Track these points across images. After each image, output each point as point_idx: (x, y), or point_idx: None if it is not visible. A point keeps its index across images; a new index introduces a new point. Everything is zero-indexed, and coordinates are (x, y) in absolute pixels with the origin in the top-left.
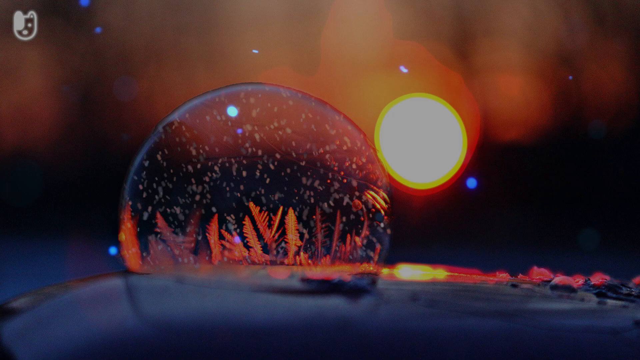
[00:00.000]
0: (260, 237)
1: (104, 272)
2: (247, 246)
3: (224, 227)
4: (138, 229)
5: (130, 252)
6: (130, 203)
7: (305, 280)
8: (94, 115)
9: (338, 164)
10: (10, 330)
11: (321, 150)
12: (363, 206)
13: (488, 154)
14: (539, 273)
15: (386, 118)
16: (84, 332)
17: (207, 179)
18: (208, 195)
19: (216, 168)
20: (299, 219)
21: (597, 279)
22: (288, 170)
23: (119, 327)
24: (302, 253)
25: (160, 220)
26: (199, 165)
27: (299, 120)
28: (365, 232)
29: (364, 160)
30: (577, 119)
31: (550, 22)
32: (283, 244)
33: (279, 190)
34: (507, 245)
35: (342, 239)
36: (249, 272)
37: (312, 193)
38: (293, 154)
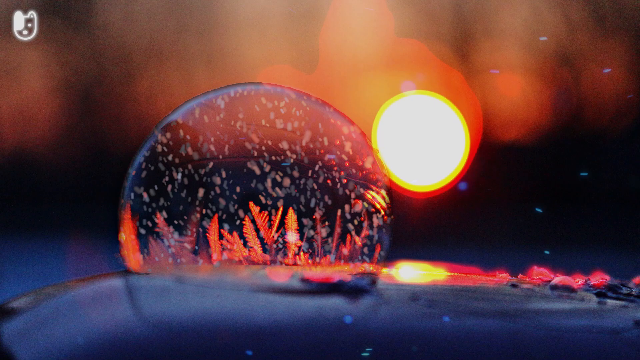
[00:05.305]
0: (260, 237)
1: (104, 272)
2: (247, 246)
3: (223, 227)
4: (138, 229)
5: (130, 252)
6: (130, 203)
7: (305, 280)
8: (94, 115)
9: (338, 164)
10: (10, 330)
11: (321, 150)
12: (363, 206)
13: (488, 154)
14: (539, 273)
15: (385, 116)
16: (83, 332)
17: (206, 178)
18: (208, 195)
19: (216, 168)
20: (299, 219)
21: (597, 279)
22: (288, 170)
23: (119, 327)
24: (302, 253)
25: (160, 220)
26: (198, 165)
27: (298, 120)
28: (365, 232)
29: (363, 160)
30: (577, 119)
31: (550, 22)
32: (283, 244)
33: (279, 190)
34: (507, 245)
35: (342, 239)
36: (248, 272)
37: (312, 193)
38: (293, 154)
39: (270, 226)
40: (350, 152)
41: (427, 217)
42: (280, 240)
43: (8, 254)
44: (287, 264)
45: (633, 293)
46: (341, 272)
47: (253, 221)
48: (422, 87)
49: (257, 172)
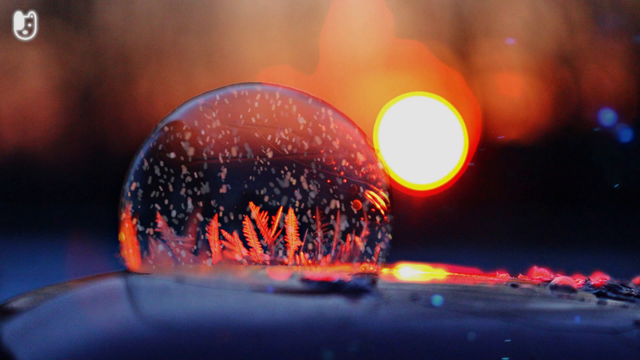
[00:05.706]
0: (260, 237)
1: (104, 272)
2: (247, 246)
3: (223, 227)
4: (138, 229)
5: (130, 252)
6: (130, 203)
7: (305, 280)
8: (94, 115)
9: (338, 164)
10: (10, 330)
11: (321, 150)
12: (363, 206)
13: (488, 154)
14: (539, 273)
15: (386, 117)
16: (83, 332)
17: (206, 179)
18: (208, 195)
19: (216, 168)
20: (299, 219)
21: (597, 279)
22: (288, 171)
23: (119, 327)
24: (302, 253)
25: (160, 220)
26: (198, 166)
27: (299, 121)
28: (365, 232)
29: (364, 160)
30: (577, 119)
31: (550, 22)
32: (283, 244)
33: (279, 191)
34: (507, 245)
35: (342, 239)
36: (248, 272)
37: (312, 193)
38: (293, 154)
39: (270, 226)
40: (351, 152)
41: (427, 217)
42: (280, 240)
43: (8, 254)
44: (287, 264)
45: (633, 293)
46: (341, 272)
47: (253, 221)
48: (422, 87)
49: (258, 172)
